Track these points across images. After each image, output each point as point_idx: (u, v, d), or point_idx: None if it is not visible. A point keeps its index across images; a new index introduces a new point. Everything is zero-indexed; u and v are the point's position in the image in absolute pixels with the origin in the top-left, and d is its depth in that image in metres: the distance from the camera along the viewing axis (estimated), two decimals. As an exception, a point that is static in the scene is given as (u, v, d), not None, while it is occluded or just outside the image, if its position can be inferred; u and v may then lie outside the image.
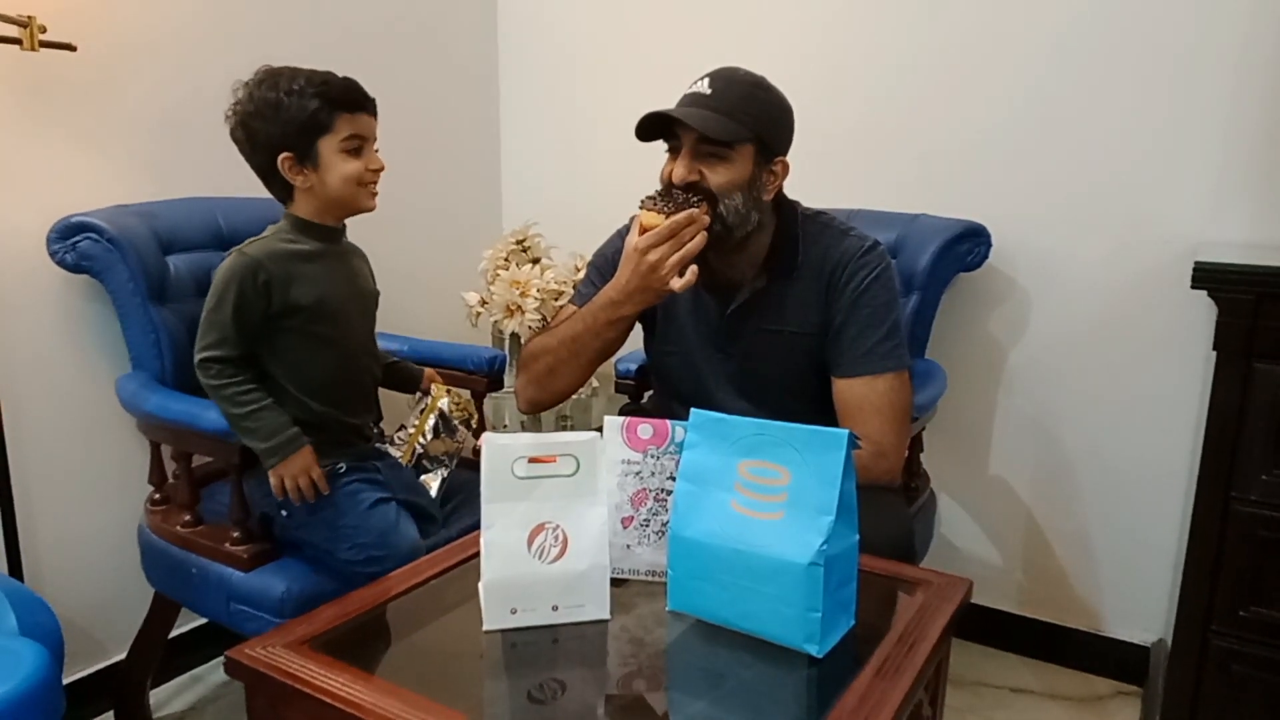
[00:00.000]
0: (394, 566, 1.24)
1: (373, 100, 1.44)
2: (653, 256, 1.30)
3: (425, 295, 2.28)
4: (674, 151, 1.37)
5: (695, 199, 1.32)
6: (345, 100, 1.39)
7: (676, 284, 1.32)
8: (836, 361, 1.42)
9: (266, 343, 1.42)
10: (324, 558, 1.45)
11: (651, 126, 1.35)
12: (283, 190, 1.44)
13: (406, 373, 1.70)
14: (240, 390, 1.37)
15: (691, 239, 1.30)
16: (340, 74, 1.43)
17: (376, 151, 1.46)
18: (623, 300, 1.36)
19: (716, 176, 1.34)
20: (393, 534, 1.42)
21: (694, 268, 1.32)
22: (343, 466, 1.47)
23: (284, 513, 1.45)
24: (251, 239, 1.43)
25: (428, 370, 1.73)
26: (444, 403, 1.67)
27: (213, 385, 1.37)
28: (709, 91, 1.33)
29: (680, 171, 1.34)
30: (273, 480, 1.39)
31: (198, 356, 1.38)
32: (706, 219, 1.31)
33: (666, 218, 1.30)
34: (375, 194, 1.46)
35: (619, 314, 1.38)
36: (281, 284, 1.39)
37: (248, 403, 1.36)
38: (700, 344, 1.49)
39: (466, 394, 1.83)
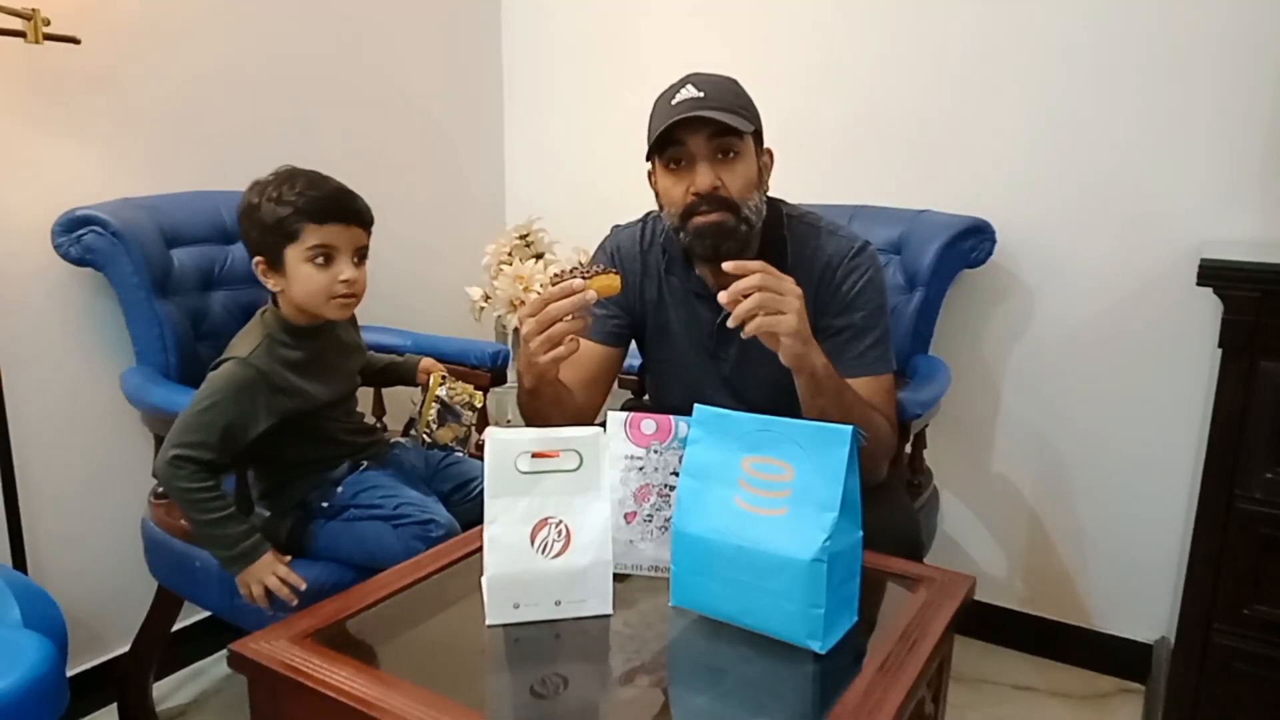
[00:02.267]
0: (444, 535, 1.34)
1: (356, 211, 1.38)
2: (524, 329, 1.21)
3: (428, 290, 2.29)
4: (677, 167, 1.33)
5: (600, 269, 1.22)
6: (313, 210, 1.34)
7: (543, 358, 1.19)
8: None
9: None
10: (367, 536, 1.41)
11: (658, 141, 1.31)
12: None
13: (404, 370, 1.68)
14: (210, 496, 1.32)
15: (563, 316, 1.17)
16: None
17: (360, 263, 1.40)
18: (524, 368, 1.28)
19: (734, 180, 1.31)
20: (434, 505, 1.43)
21: (559, 349, 1.19)
22: (364, 464, 1.49)
23: (324, 504, 1.44)
24: (250, 343, 1.38)
25: (423, 361, 1.69)
26: (441, 390, 1.65)
27: (181, 487, 1.31)
28: (701, 94, 1.29)
29: (707, 179, 1.30)
30: (241, 589, 1.35)
31: (172, 452, 1.30)
32: (592, 294, 1.18)
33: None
34: (347, 305, 1.40)
35: (528, 384, 1.30)
36: (279, 401, 1.37)
37: (214, 509, 1.32)
38: (692, 350, 1.48)
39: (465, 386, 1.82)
